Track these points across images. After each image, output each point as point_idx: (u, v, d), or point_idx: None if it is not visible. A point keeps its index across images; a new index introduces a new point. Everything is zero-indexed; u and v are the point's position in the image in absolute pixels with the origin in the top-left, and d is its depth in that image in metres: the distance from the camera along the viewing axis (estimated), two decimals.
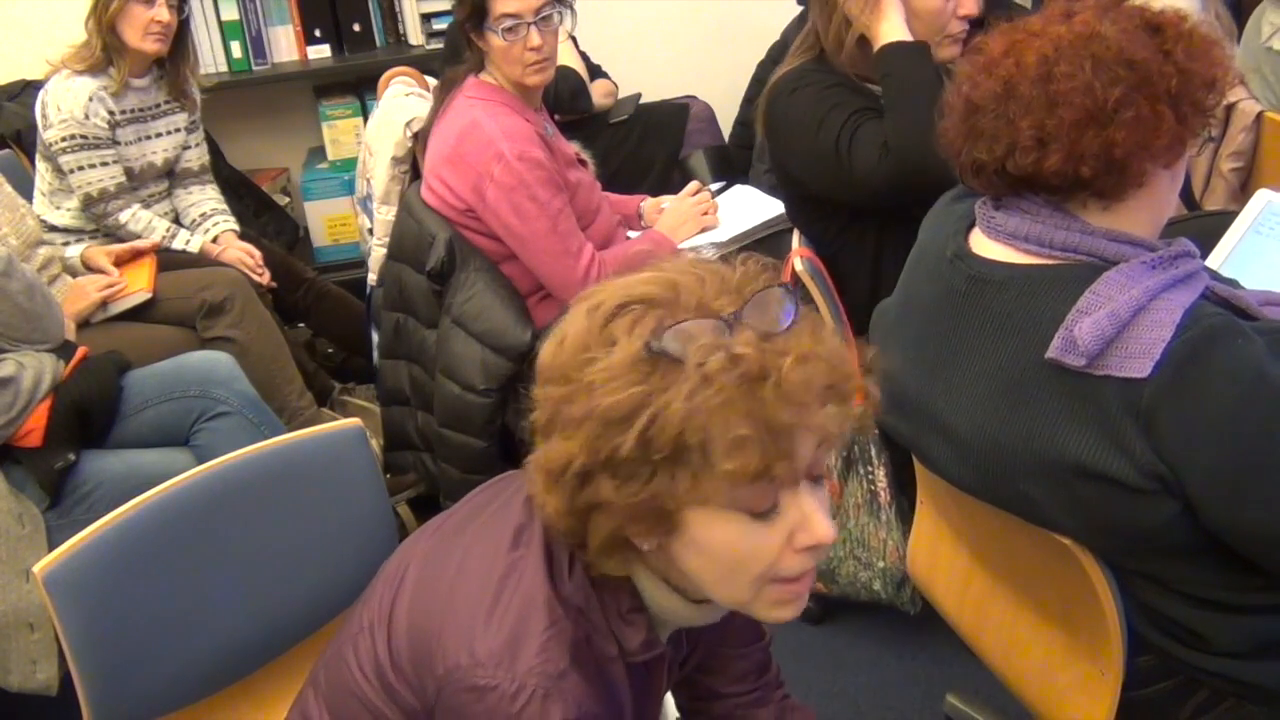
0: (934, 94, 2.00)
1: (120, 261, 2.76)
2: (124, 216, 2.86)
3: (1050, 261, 1.29)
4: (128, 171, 2.89)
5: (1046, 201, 1.30)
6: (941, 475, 1.47)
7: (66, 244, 2.85)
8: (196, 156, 3.11)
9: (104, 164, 2.82)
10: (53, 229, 2.89)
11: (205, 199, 3.10)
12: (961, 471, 1.41)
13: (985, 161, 1.28)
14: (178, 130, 3.03)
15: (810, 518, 0.97)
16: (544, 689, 0.99)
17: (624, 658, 1.07)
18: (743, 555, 0.98)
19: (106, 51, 2.81)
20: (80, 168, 2.80)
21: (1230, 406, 1.18)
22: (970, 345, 1.35)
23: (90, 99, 2.79)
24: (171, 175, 3.08)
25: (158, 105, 2.97)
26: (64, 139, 2.78)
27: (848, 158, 2.03)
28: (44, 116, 2.82)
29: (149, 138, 2.96)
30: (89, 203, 2.83)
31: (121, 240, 2.88)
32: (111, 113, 2.84)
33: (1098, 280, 1.23)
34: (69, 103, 2.78)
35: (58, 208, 2.92)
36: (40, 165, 2.92)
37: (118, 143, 2.86)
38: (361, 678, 1.14)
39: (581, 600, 1.05)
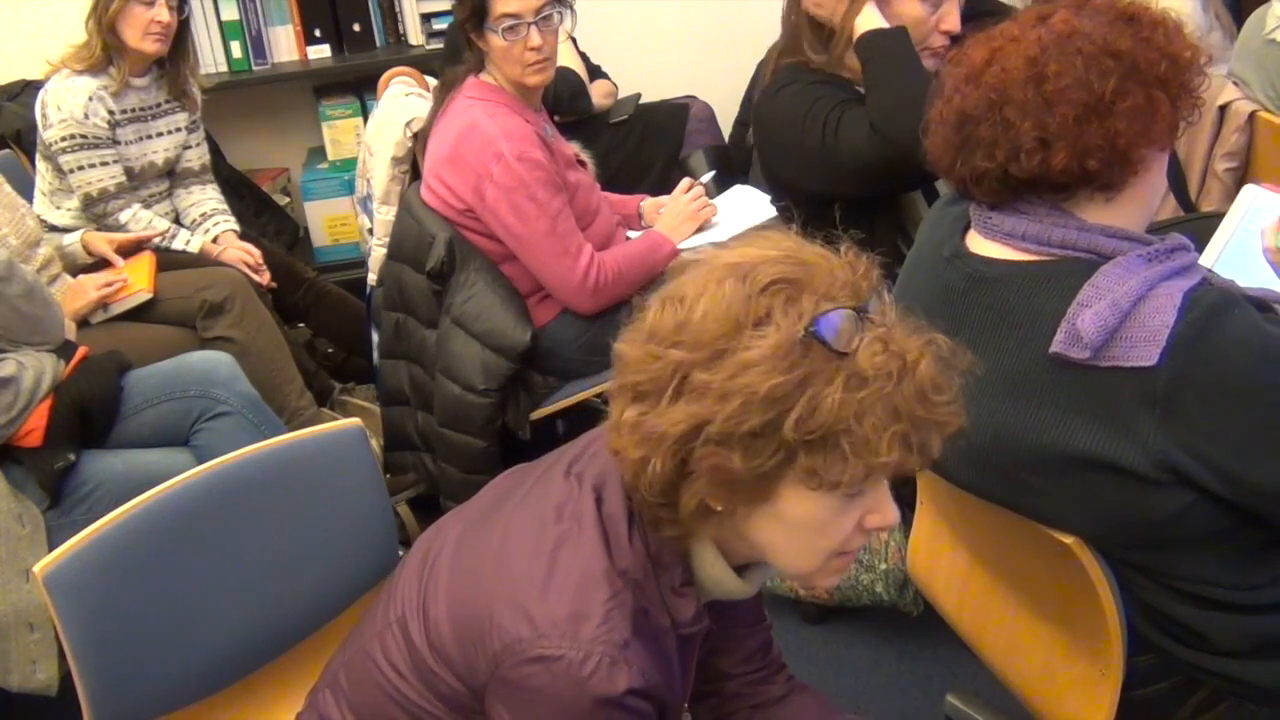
0: (916, 72, 2.03)
1: (123, 250, 2.75)
2: (124, 216, 2.86)
3: (1048, 258, 1.29)
4: (128, 171, 2.89)
5: (1045, 201, 1.30)
6: (941, 474, 1.47)
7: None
8: (197, 156, 3.11)
9: (104, 164, 2.82)
10: (53, 229, 2.88)
11: (206, 199, 3.10)
12: (962, 469, 1.41)
13: (988, 169, 1.29)
14: (178, 130, 3.03)
15: (884, 502, 1.05)
16: (610, 657, 1.01)
17: (675, 630, 1.10)
18: (823, 530, 1.03)
19: (106, 51, 2.81)
20: (80, 167, 2.80)
21: (1247, 373, 1.20)
22: (970, 343, 1.34)
23: (90, 98, 2.79)
24: (172, 175, 3.08)
25: (158, 105, 2.97)
26: (64, 139, 2.78)
27: (834, 143, 2.05)
28: (44, 116, 2.82)
29: (149, 137, 2.96)
30: (89, 203, 2.82)
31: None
32: (111, 112, 2.84)
33: (1096, 274, 1.24)
34: (69, 102, 2.78)
35: (58, 207, 2.92)
36: (40, 165, 2.92)
37: (118, 142, 2.86)
38: (393, 673, 1.14)
39: (639, 574, 1.07)
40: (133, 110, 2.90)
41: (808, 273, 1.00)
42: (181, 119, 3.03)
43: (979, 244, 1.37)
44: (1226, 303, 1.20)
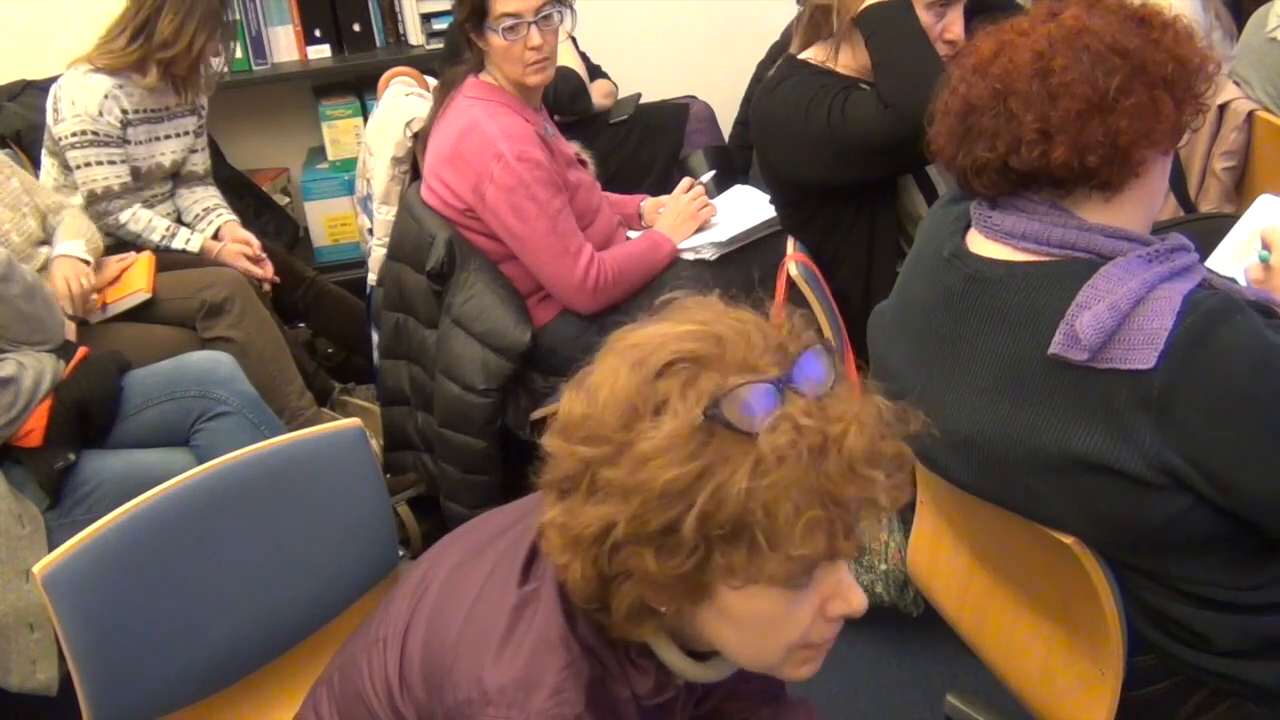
0: (922, 44, 2.03)
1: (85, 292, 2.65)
2: (124, 216, 2.86)
3: (1048, 258, 1.29)
4: (134, 171, 2.90)
5: (1045, 199, 1.30)
6: (942, 474, 1.47)
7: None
8: (201, 161, 3.13)
9: (111, 162, 2.83)
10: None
11: (206, 195, 3.11)
12: (962, 469, 1.41)
13: (988, 160, 1.29)
14: (186, 133, 3.04)
15: (844, 586, 0.95)
16: None
17: (636, 701, 1.04)
18: (775, 626, 0.95)
19: (140, 64, 2.84)
20: (87, 164, 2.81)
21: (1245, 380, 1.19)
22: (970, 343, 1.35)
23: (106, 96, 2.81)
24: (176, 177, 3.09)
25: (167, 108, 2.98)
26: (75, 134, 2.79)
27: (841, 126, 2.05)
28: (55, 110, 2.84)
29: (158, 139, 2.97)
30: (91, 200, 2.83)
31: (119, 239, 2.89)
32: (125, 111, 2.86)
33: (1095, 275, 1.23)
34: (84, 98, 2.79)
35: None
36: (46, 161, 2.93)
37: (128, 142, 2.88)
38: (371, 690, 1.13)
39: (594, 641, 1.01)
40: (145, 111, 2.92)
41: (717, 347, 0.91)
42: (190, 123, 3.05)
43: (979, 244, 1.37)
44: (1226, 308, 1.20)
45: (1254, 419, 1.20)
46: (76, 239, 2.58)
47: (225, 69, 3.05)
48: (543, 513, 1.05)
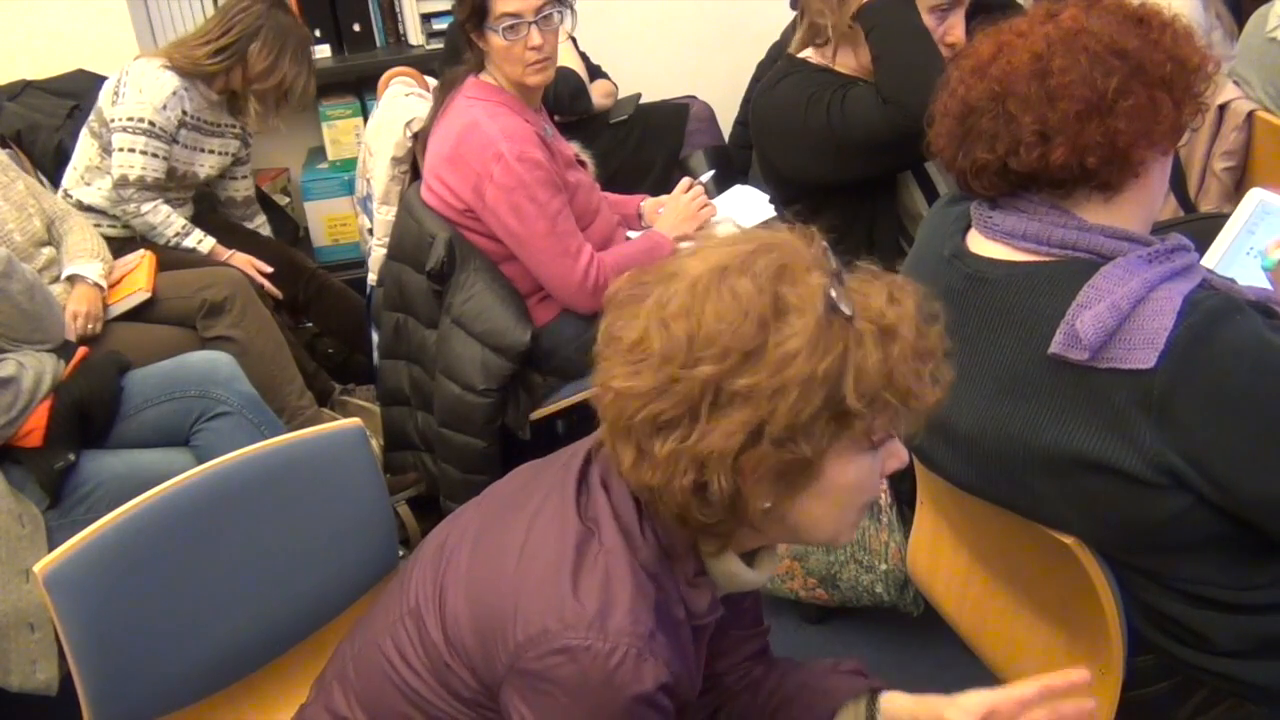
0: (923, 39, 2.03)
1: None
2: (145, 207, 2.90)
3: (1048, 259, 1.29)
4: (170, 171, 2.95)
5: (1045, 199, 1.30)
6: (942, 474, 1.47)
7: (96, 225, 2.89)
8: (244, 188, 3.28)
9: (155, 155, 2.89)
10: (81, 206, 2.93)
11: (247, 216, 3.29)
12: (962, 469, 1.41)
13: (987, 161, 1.29)
14: (227, 154, 3.14)
15: (896, 442, 1.08)
16: (637, 649, 1.01)
17: (690, 620, 1.10)
18: (861, 488, 1.07)
19: (212, 78, 2.96)
20: (132, 150, 2.86)
21: (1244, 381, 1.19)
22: (970, 343, 1.35)
23: (173, 93, 2.90)
24: (201, 195, 3.19)
25: (219, 124, 3.08)
26: (132, 119, 2.86)
27: (842, 122, 2.05)
28: (116, 93, 2.90)
29: (201, 150, 3.05)
30: (122, 184, 2.87)
31: (133, 230, 2.93)
32: (185, 113, 2.94)
33: (1096, 275, 1.23)
34: (153, 89, 2.87)
35: (88, 184, 2.96)
36: (85, 141, 2.97)
37: (176, 142, 2.95)
38: (405, 667, 1.14)
39: (656, 566, 1.08)
40: (199, 120, 3.01)
41: (786, 254, 1.01)
42: (233, 145, 3.15)
43: (979, 244, 1.37)
44: (1227, 308, 1.20)
45: (1253, 419, 1.20)
46: (93, 260, 2.61)
47: (310, 90, 3.14)
48: (569, 467, 1.13)
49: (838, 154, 2.09)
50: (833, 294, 0.98)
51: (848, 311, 0.99)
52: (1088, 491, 1.27)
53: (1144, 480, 1.23)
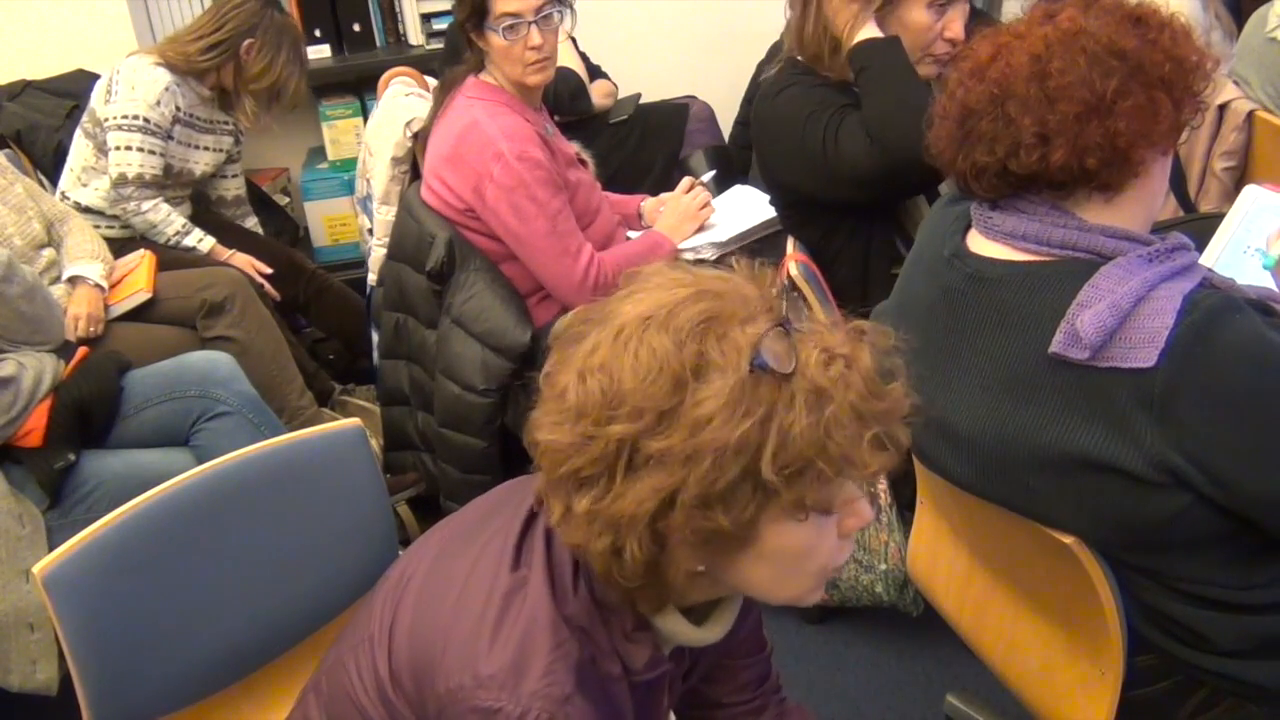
0: (911, 80, 2.03)
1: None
2: (146, 205, 2.90)
3: (1048, 259, 1.30)
4: (166, 169, 2.96)
5: (1045, 200, 1.30)
6: (942, 474, 1.47)
7: (95, 226, 2.89)
8: (235, 186, 3.28)
9: (151, 152, 2.89)
10: (78, 208, 2.93)
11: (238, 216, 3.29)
12: (962, 469, 1.41)
13: (987, 164, 1.29)
14: (221, 151, 3.15)
15: (855, 502, 1.00)
16: (548, 713, 0.97)
17: (628, 677, 1.05)
18: (809, 554, 0.99)
19: (204, 74, 2.98)
20: (128, 148, 2.86)
21: (1245, 379, 1.19)
22: (970, 343, 1.35)
23: (166, 89, 2.90)
24: (199, 195, 3.19)
25: (212, 121, 3.09)
26: (126, 116, 2.86)
27: (834, 150, 2.05)
28: (108, 91, 2.91)
29: (195, 147, 3.06)
30: (121, 182, 2.87)
31: (132, 230, 2.93)
32: (179, 109, 2.95)
33: (1096, 274, 1.23)
34: (146, 85, 2.88)
35: (85, 185, 2.96)
36: (80, 142, 2.98)
37: (171, 139, 2.95)
38: (361, 689, 1.13)
39: (586, 620, 1.03)
40: (192, 116, 3.01)
41: (721, 302, 0.94)
42: (227, 142, 3.16)
43: (979, 244, 1.37)
44: (1227, 307, 1.20)
45: (1255, 417, 1.21)
46: (94, 261, 2.62)
47: (302, 90, 3.16)
48: (525, 504, 1.08)
49: (828, 179, 2.10)
50: (763, 350, 0.90)
51: (780, 369, 0.90)
52: (1087, 490, 1.27)
53: (1144, 479, 1.23)
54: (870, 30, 2.08)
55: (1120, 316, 1.19)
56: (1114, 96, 1.22)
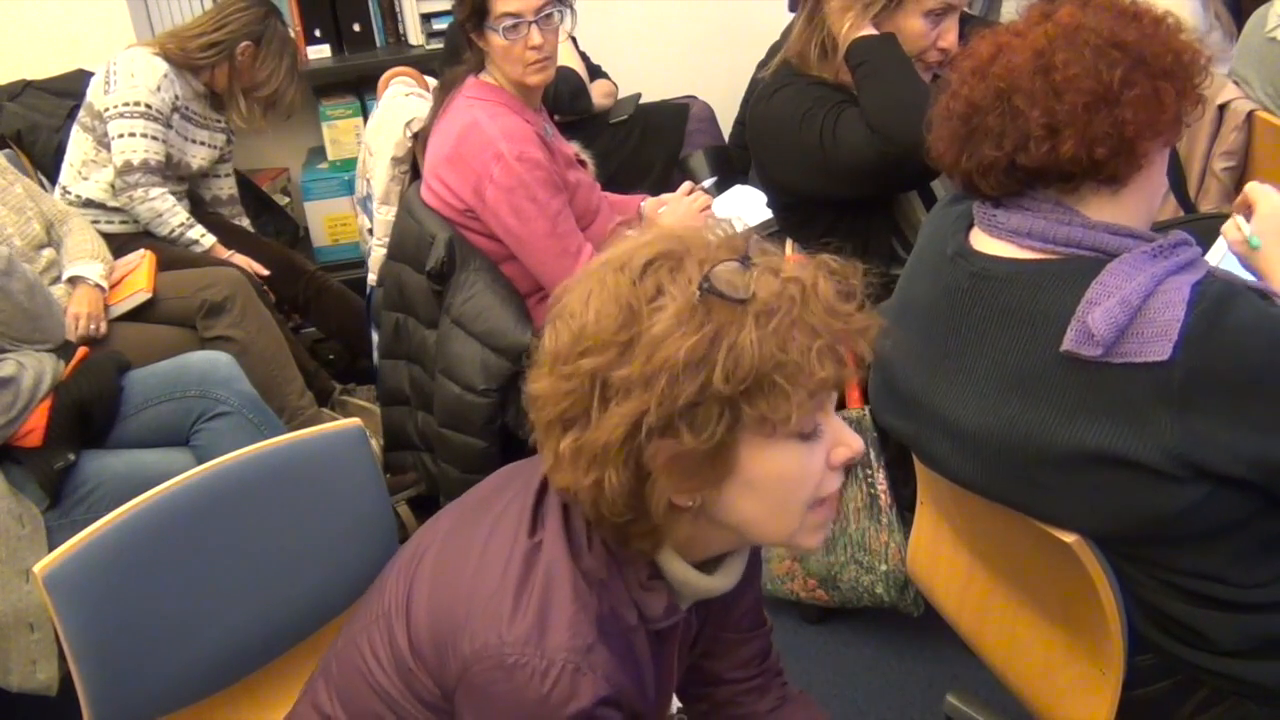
0: (909, 71, 2.04)
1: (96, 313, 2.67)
2: (154, 192, 2.92)
3: (1054, 256, 1.30)
4: (166, 157, 2.97)
5: (1050, 196, 1.31)
6: (944, 473, 1.47)
7: (95, 221, 2.91)
8: (227, 186, 3.31)
9: (154, 138, 2.92)
10: (74, 199, 2.95)
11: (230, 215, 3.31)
12: (966, 467, 1.41)
13: (995, 159, 1.30)
14: (215, 147, 3.18)
15: (842, 432, 1.04)
16: (574, 664, 1.00)
17: (645, 625, 1.09)
18: (795, 481, 1.02)
19: (199, 71, 3.03)
20: (131, 134, 2.88)
21: (1263, 354, 1.21)
22: (975, 341, 1.35)
23: (165, 76, 2.95)
24: (198, 193, 3.21)
25: (205, 117, 3.13)
26: (127, 103, 2.89)
27: (833, 145, 2.06)
28: (106, 82, 2.93)
29: (191, 140, 3.09)
30: (126, 170, 2.88)
31: (134, 224, 2.95)
32: (177, 97, 2.98)
33: (1103, 272, 1.24)
34: (145, 72, 2.92)
35: (86, 179, 2.97)
36: (79, 136, 2.99)
37: (170, 127, 2.98)
38: (376, 666, 1.14)
39: (603, 572, 1.06)
40: (188, 109, 3.04)
41: (682, 244, 1.00)
42: (220, 140, 3.19)
43: (983, 242, 1.37)
44: (1231, 291, 1.22)
45: (1275, 388, 1.21)
46: (94, 261, 2.62)
47: (297, 101, 3.27)
48: (536, 476, 1.11)
49: (827, 174, 2.10)
50: (713, 277, 0.96)
51: (732, 294, 0.95)
52: (1099, 485, 1.28)
53: (1161, 472, 1.23)
54: (867, 31, 2.08)
55: (1131, 312, 1.20)
56: (1120, 87, 1.24)
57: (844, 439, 1.04)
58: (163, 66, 2.95)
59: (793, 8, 3.07)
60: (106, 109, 2.90)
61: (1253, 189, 1.48)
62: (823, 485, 1.04)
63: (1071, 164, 1.26)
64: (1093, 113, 1.24)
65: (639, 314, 0.96)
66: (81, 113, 2.98)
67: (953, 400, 1.38)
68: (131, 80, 2.90)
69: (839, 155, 2.05)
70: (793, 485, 1.02)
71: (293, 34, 3.62)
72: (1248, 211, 1.48)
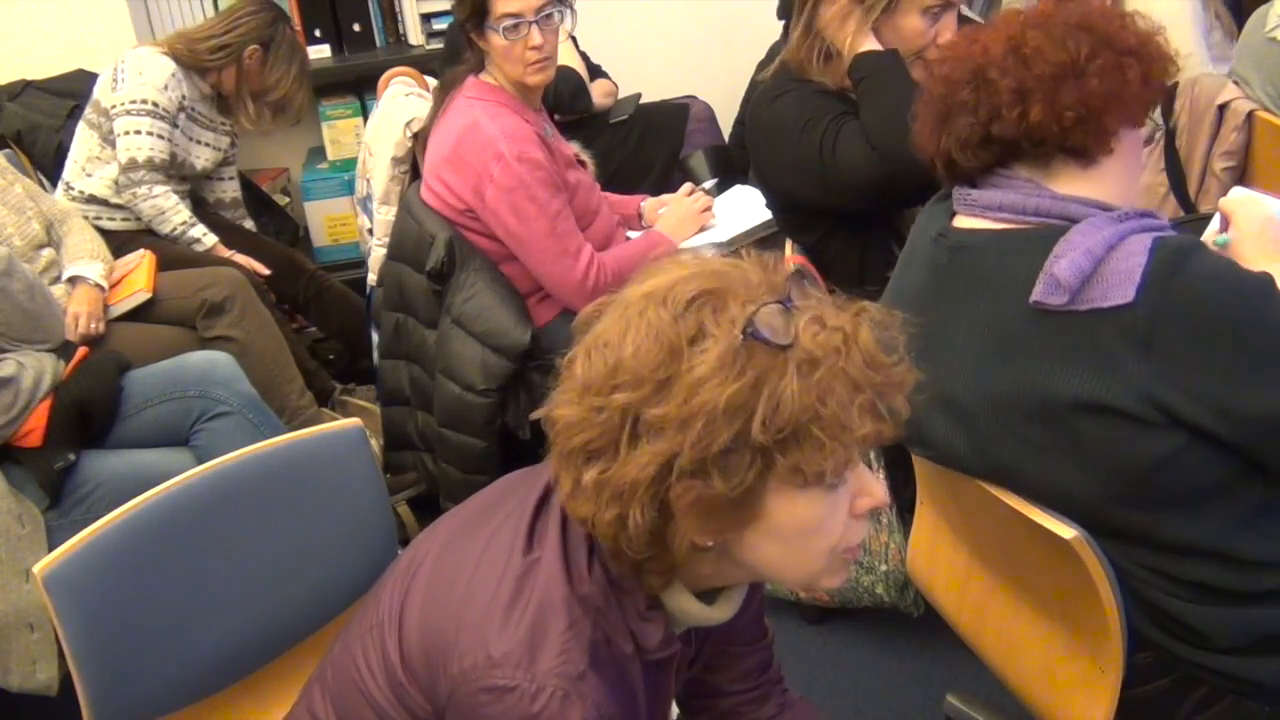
0: (910, 89, 2.04)
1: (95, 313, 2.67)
2: (158, 189, 2.93)
3: (1025, 225, 1.36)
4: (171, 155, 2.98)
5: (1022, 174, 1.38)
6: (941, 456, 1.48)
7: (98, 218, 2.92)
8: (231, 189, 3.32)
9: (159, 136, 2.93)
10: (77, 195, 2.95)
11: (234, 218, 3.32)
12: (960, 440, 1.43)
13: (970, 131, 1.36)
14: (219, 149, 3.19)
15: (868, 482, 1.03)
16: (563, 690, 0.99)
17: (640, 656, 1.07)
18: (819, 530, 1.00)
19: (206, 72, 3.05)
20: (136, 132, 2.89)
21: (1225, 300, 1.24)
22: (957, 312, 1.41)
23: (173, 75, 2.96)
24: (200, 195, 3.21)
25: (210, 119, 3.14)
26: (134, 100, 2.90)
27: (832, 159, 2.05)
28: (114, 80, 2.94)
29: (195, 141, 3.10)
30: (131, 167, 2.89)
31: (137, 221, 2.95)
32: (184, 97, 3.00)
33: (1070, 231, 1.30)
34: (153, 70, 2.93)
35: (90, 175, 2.97)
36: (84, 132, 2.99)
37: (176, 126, 2.98)
38: (369, 676, 1.14)
39: (600, 600, 1.05)
40: (193, 110, 3.06)
41: (723, 281, 0.98)
42: (224, 142, 3.20)
43: (962, 221, 1.44)
44: (1192, 243, 1.27)
45: (1237, 337, 1.24)
46: (94, 261, 2.62)
47: (305, 107, 3.30)
48: (535, 490, 1.10)
49: (825, 186, 2.09)
50: (758, 321, 0.93)
51: (775, 339, 0.93)
52: (1082, 436, 1.30)
53: (1136, 416, 1.26)
54: (870, 44, 2.09)
55: (1095, 260, 1.26)
56: (1086, 59, 1.32)
57: (868, 488, 1.02)
58: (171, 66, 2.96)
59: (782, 15, 3.07)
60: (113, 106, 2.90)
61: (1225, 203, 1.53)
62: (846, 536, 1.03)
63: (1041, 130, 1.32)
64: (1060, 82, 1.31)
65: (679, 353, 0.94)
66: (88, 109, 2.99)
67: (940, 371, 1.40)
68: (140, 78, 2.91)
69: (838, 170, 2.05)
70: (816, 534, 1.01)
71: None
72: (1224, 222, 1.53)
